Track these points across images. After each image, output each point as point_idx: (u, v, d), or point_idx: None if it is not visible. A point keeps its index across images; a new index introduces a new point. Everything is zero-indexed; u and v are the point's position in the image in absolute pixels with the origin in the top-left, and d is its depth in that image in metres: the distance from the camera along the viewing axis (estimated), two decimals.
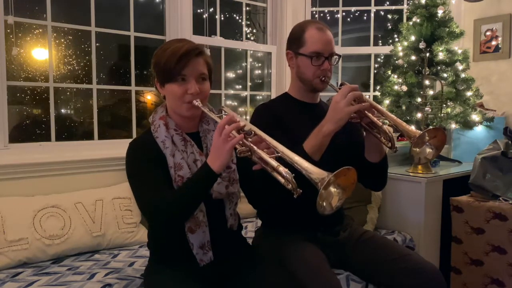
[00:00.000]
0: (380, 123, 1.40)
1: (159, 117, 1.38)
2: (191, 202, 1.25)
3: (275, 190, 1.31)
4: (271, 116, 1.58)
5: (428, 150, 1.38)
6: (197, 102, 1.31)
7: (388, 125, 1.48)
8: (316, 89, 1.64)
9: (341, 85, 1.51)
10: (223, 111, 1.38)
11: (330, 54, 1.58)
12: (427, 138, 1.36)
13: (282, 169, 1.12)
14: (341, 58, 1.63)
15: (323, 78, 1.58)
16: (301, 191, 1.11)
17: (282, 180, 1.14)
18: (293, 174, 1.12)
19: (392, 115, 1.41)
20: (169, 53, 1.30)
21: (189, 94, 1.31)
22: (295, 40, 1.62)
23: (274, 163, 1.14)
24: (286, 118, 1.59)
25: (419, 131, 1.34)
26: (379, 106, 1.43)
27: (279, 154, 1.17)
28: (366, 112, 1.40)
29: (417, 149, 1.36)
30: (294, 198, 1.12)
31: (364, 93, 1.46)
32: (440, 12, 2.62)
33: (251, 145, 1.18)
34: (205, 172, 1.21)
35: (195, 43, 1.35)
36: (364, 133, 1.53)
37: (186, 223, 1.33)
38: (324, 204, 1.12)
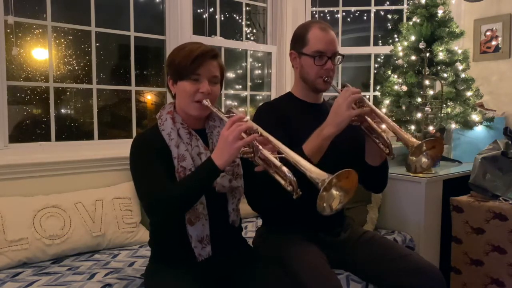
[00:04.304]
0: (379, 129, 1.39)
1: (167, 112, 1.40)
2: (192, 195, 1.25)
3: (274, 193, 1.31)
4: (275, 115, 1.59)
5: (424, 159, 1.35)
6: (206, 102, 1.34)
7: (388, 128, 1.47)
8: (319, 89, 1.64)
9: (343, 86, 1.51)
10: (231, 112, 1.39)
11: (333, 54, 1.58)
12: (424, 148, 1.34)
13: (285, 169, 1.12)
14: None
15: (326, 78, 1.59)
16: (301, 192, 1.11)
17: (283, 182, 1.14)
18: (295, 178, 1.12)
19: (392, 123, 1.39)
20: (185, 53, 1.34)
21: (200, 93, 1.34)
22: (299, 40, 1.62)
23: (277, 163, 1.14)
24: (290, 117, 1.59)
25: (418, 141, 1.31)
26: (380, 112, 1.42)
27: (283, 155, 1.17)
28: (366, 117, 1.40)
29: (414, 158, 1.34)
30: (293, 199, 1.12)
31: (364, 93, 1.46)
32: (440, 12, 2.62)
33: (257, 144, 1.19)
34: (208, 167, 1.21)
35: (211, 46, 1.39)
36: (365, 137, 1.52)
37: (186, 215, 1.33)
38: (324, 205, 1.13)
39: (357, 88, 1.43)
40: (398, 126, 1.37)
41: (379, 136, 1.42)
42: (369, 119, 1.40)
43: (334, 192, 1.14)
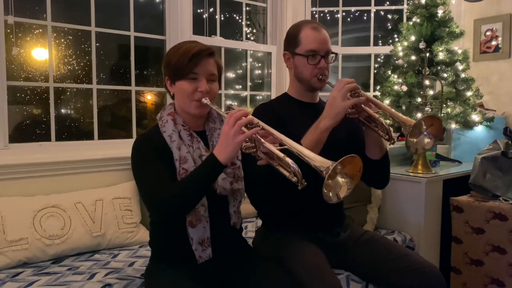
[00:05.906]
0: (377, 116, 1.39)
1: (167, 113, 1.40)
2: (195, 193, 1.24)
3: (278, 189, 1.30)
4: (272, 116, 1.58)
5: (426, 140, 1.35)
6: (206, 100, 1.33)
7: (385, 119, 1.47)
8: (314, 88, 1.64)
9: None
10: (231, 109, 1.39)
11: (326, 53, 1.59)
12: (424, 127, 1.34)
13: (289, 160, 1.12)
14: (340, 57, 1.63)
15: (321, 77, 1.59)
16: (305, 183, 1.11)
17: (287, 174, 1.14)
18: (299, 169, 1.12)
19: (389, 107, 1.40)
20: (181, 52, 1.33)
21: (199, 92, 1.33)
22: (291, 40, 1.63)
23: (280, 154, 1.14)
24: (287, 117, 1.59)
25: (414, 121, 1.31)
26: (375, 99, 1.43)
27: (286, 147, 1.17)
28: (363, 106, 1.40)
29: (414, 139, 1.34)
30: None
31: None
32: (440, 12, 2.62)
33: (259, 138, 1.18)
34: (211, 163, 1.21)
35: (207, 45, 1.38)
36: (364, 129, 1.52)
37: (187, 217, 1.33)
38: (331, 194, 1.12)
39: (350, 79, 1.43)
40: (394, 111, 1.38)
41: (378, 124, 1.42)
42: (366, 107, 1.40)
43: (340, 179, 1.14)
